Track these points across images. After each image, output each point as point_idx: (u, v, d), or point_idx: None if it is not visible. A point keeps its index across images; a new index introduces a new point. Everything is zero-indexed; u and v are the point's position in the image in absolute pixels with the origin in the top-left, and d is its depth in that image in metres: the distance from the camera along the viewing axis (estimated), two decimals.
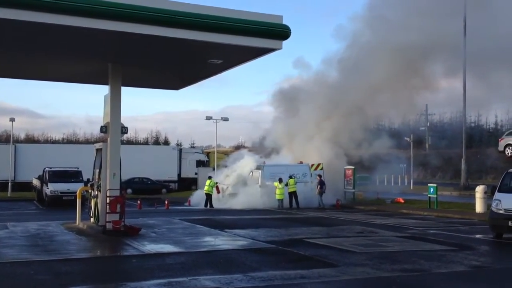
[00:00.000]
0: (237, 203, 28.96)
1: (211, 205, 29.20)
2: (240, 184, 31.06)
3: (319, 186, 28.58)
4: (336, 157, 32.74)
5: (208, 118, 43.82)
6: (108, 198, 16.13)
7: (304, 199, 28.79)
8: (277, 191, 28.10)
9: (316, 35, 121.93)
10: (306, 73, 40.05)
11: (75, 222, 18.64)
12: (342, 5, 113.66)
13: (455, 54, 34.95)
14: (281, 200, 28.03)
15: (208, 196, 29.51)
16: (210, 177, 30.70)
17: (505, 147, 27.64)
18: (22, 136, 72.30)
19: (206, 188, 29.87)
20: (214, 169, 41.86)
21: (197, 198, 31.35)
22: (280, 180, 28.14)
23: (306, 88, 37.52)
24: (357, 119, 34.28)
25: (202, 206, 29.43)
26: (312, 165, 31.56)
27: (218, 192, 30.19)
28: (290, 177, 28.61)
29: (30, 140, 69.54)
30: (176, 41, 13.16)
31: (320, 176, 29.26)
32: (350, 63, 35.04)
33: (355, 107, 33.95)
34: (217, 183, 30.55)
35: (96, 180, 17.73)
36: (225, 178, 32.37)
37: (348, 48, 36.33)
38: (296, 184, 28.43)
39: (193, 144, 75.54)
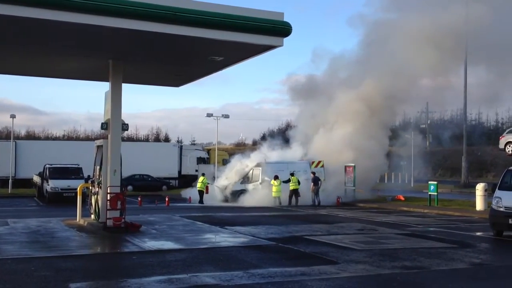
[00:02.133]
0: (246, 200, 29.10)
1: (200, 201, 29.54)
2: (241, 182, 31.10)
3: (313, 184, 28.33)
4: (363, 152, 32.04)
5: (209, 115, 43.80)
6: (108, 195, 16.14)
7: (305, 196, 28.69)
8: (274, 189, 28.02)
9: (316, 32, 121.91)
10: (322, 64, 39.71)
11: (76, 219, 18.67)
12: (342, 3, 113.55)
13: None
14: (277, 198, 27.94)
15: (200, 193, 29.88)
16: (203, 174, 31.24)
17: (505, 144, 27.58)
18: (23, 132, 72.46)
19: (199, 185, 30.30)
20: (215, 166, 41.91)
21: (197, 194, 31.45)
22: (276, 177, 27.99)
23: (326, 81, 36.88)
24: (384, 112, 33.83)
25: (207, 203, 29.58)
26: (313, 162, 31.54)
27: (207, 192, 30.41)
28: (292, 174, 28.58)
29: (30, 136, 69.51)
30: (177, 38, 13.15)
31: (314, 173, 29.03)
32: (372, 51, 34.55)
33: (380, 99, 33.33)
34: (208, 183, 30.87)
35: (97, 177, 17.74)
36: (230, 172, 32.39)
37: (367, 36, 35.95)
38: (298, 181, 28.36)
39: (194, 141, 75.63)
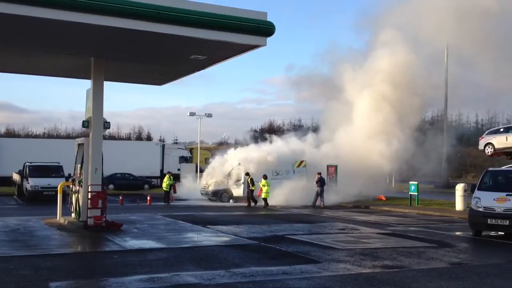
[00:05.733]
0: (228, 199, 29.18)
1: (166, 201, 28.98)
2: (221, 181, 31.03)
3: (318, 184, 27.23)
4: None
5: (192, 114, 43.76)
6: (89, 194, 16.03)
7: (289, 196, 28.47)
8: (264, 189, 27.07)
9: (300, 34, 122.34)
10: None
11: (56, 218, 18.47)
12: (328, 7, 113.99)
13: None
14: (266, 199, 27.02)
15: (166, 193, 29.36)
16: (169, 173, 30.79)
17: (485, 146, 27.86)
18: (3, 130, 71.62)
19: (164, 185, 29.76)
20: (197, 165, 41.86)
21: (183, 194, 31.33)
22: (265, 177, 27.43)
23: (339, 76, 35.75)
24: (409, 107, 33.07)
25: (189, 202, 29.41)
26: (296, 162, 31.55)
27: (175, 191, 30.12)
28: (247, 174, 28.41)
29: (10, 134, 68.71)
30: (159, 36, 13.09)
31: (319, 173, 27.96)
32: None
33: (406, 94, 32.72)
34: (174, 182, 30.42)
35: (78, 175, 17.59)
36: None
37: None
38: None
39: (176, 140, 75.44)
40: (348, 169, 30.24)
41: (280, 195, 28.48)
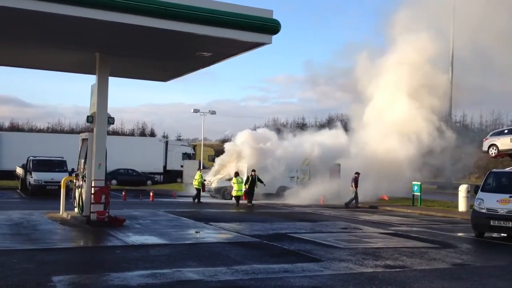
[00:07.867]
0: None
1: (197, 200, 27.51)
2: (227, 179, 30.97)
3: (354, 184, 26.46)
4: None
5: (196, 111, 43.89)
6: (93, 189, 16.06)
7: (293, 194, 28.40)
8: (236, 187, 26.17)
9: (303, 33, 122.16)
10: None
11: (59, 212, 18.53)
12: (334, 7, 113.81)
13: None
14: (238, 197, 26.18)
15: (198, 191, 27.89)
16: (200, 169, 29.65)
17: (489, 147, 27.86)
18: (7, 124, 71.80)
19: (195, 182, 28.33)
20: (200, 162, 41.92)
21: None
22: (236, 174, 26.61)
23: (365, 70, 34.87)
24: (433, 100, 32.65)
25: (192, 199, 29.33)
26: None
27: (204, 190, 28.85)
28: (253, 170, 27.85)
29: (14, 128, 68.90)
30: (165, 33, 13.08)
31: (358, 173, 26.83)
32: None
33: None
34: (205, 180, 29.33)
35: (81, 170, 17.64)
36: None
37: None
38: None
39: (180, 136, 75.54)
40: (368, 169, 29.34)
41: (299, 194, 28.45)
